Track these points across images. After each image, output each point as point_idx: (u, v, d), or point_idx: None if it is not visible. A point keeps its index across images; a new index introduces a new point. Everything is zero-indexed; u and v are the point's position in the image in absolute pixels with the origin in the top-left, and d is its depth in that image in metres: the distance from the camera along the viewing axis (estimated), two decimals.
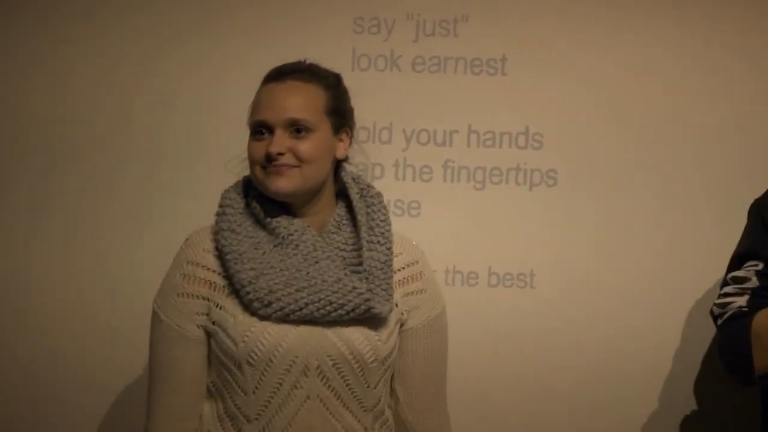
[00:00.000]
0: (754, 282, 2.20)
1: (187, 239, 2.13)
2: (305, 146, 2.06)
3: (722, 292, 2.26)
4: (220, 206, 2.12)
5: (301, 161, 2.07)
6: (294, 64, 2.16)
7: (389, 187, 2.56)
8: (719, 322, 2.22)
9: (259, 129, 2.08)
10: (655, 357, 2.65)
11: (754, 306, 2.16)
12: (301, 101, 2.09)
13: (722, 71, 2.65)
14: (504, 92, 2.66)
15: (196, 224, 2.19)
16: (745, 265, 2.24)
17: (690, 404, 2.64)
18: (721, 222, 2.62)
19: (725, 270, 2.29)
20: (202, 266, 2.06)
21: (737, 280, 2.22)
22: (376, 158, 2.55)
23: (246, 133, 2.14)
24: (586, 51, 2.65)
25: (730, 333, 2.20)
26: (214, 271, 2.06)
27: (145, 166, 2.71)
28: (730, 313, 2.20)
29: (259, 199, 2.11)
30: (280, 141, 2.05)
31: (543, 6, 2.66)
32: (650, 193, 2.64)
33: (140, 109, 2.73)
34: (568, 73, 2.65)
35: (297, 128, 2.07)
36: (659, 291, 2.63)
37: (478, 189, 2.66)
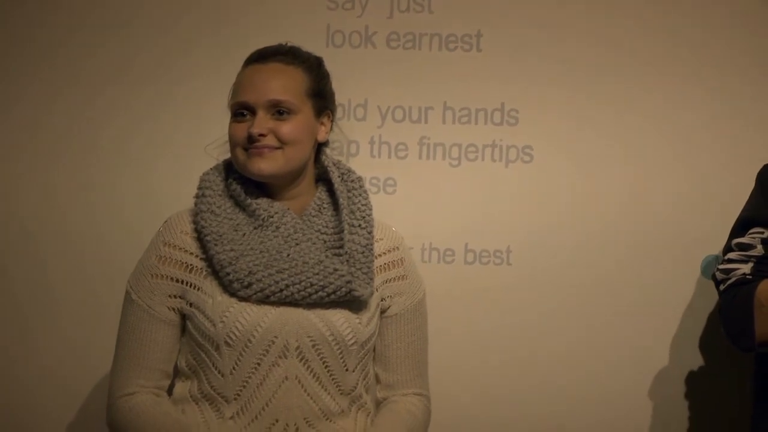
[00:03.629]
0: (759, 250, 2.23)
1: (165, 221, 2.15)
2: (287, 128, 2.08)
3: (726, 257, 2.29)
4: (200, 188, 2.14)
5: (282, 143, 2.08)
6: (276, 46, 2.17)
7: (364, 165, 2.58)
8: (722, 287, 2.26)
9: (241, 111, 2.09)
10: (631, 329, 2.68)
11: (759, 274, 2.19)
12: (283, 83, 2.10)
13: (703, 41, 2.67)
14: (479, 68, 2.67)
15: (175, 207, 2.19)
16: (750, 232, 2.27)
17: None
18: (697, 195, 2.66)
19: (729, 236, 2.31)
20: (180, 248, 2.08)
21: (742, 247, 2.25)
22: (352, 135, 2.56)
23: (224, 115, 2.15)
24: (561, 27, 2.67)
25: (732, 300, 2.23)
26: (191, 254, 2.08)
27: (123, 148, 2.71)
28: (733, 279, 2.23)
29: (240, 182, 2.13)
30: (262, 122, 2.07)
31: None
32: (626, 168, 2.66)
33: (115, 90, 2.72)
34: (543, 48, 2.67)
35: (279, 110, 2.09)
36: (634, 266, 2.65)
37: (453, 166, 2.67)
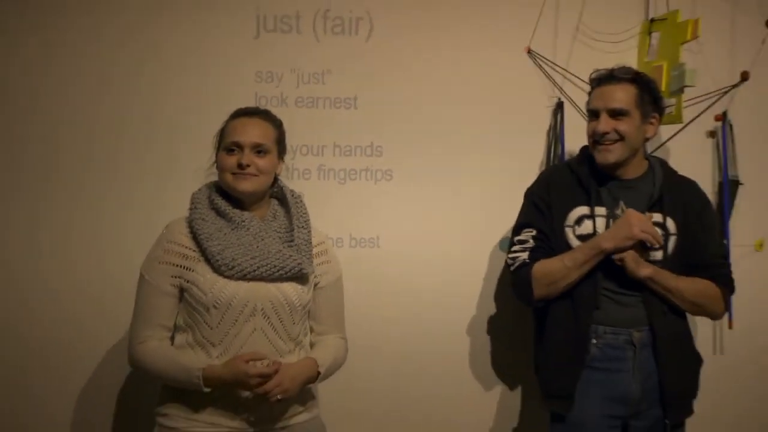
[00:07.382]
0: (531, 243, 2.68)
1: (167, 225, 2.48)
2: (263, 162, 2.41)
3: (512, 249, 2.69)
4: (192, 203, 2.45)
5: (260, 172, 2.40)
6: (254, 107, 2.53)
7: None
8: (512, 269, 2.70)
9: (232, 147, 2.39)
10: (464, 283, 3.23)
11: (533, 258, 2.66)
12: (263, 132, 2.42)
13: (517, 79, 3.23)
14: (356, 120, 3.17)
15: (172, 214, 2.55)
16: (524, 231, 2.70)
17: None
18: (493, 206, 3.21)
19: (511, 233, 2.77)
20: (178, 243, 2.41)
21: (521, 242, 2.69)
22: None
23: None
24: (416, 89, 3.15)
25: (518, 277, 2.68)
26: (186, 247, 2.41)
27: (132, 172, 3.08)
28: (518, 263, 2.68)
29: (222, 198, 2.42)
30: (249, 157, 2.38)
31: (384, 60, 3.18)
32: (457, 184, 3.20)
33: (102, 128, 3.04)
34: (402, 106, 3.19)
35: (258, 150, 2.40)
36: (462, 249, 3.23)
37: (341, 183, 3.18)
